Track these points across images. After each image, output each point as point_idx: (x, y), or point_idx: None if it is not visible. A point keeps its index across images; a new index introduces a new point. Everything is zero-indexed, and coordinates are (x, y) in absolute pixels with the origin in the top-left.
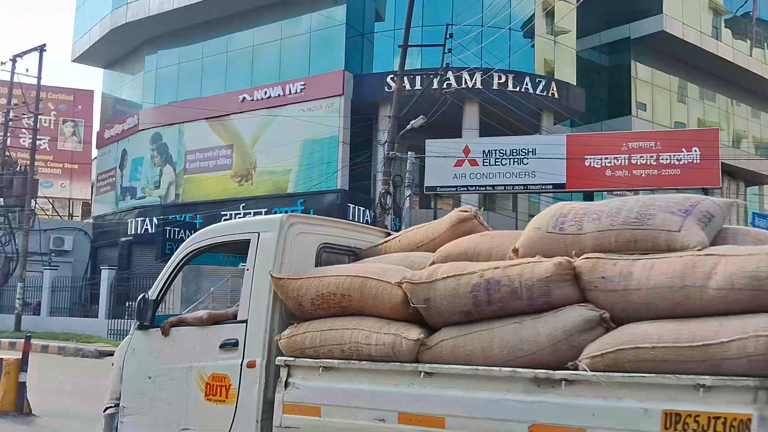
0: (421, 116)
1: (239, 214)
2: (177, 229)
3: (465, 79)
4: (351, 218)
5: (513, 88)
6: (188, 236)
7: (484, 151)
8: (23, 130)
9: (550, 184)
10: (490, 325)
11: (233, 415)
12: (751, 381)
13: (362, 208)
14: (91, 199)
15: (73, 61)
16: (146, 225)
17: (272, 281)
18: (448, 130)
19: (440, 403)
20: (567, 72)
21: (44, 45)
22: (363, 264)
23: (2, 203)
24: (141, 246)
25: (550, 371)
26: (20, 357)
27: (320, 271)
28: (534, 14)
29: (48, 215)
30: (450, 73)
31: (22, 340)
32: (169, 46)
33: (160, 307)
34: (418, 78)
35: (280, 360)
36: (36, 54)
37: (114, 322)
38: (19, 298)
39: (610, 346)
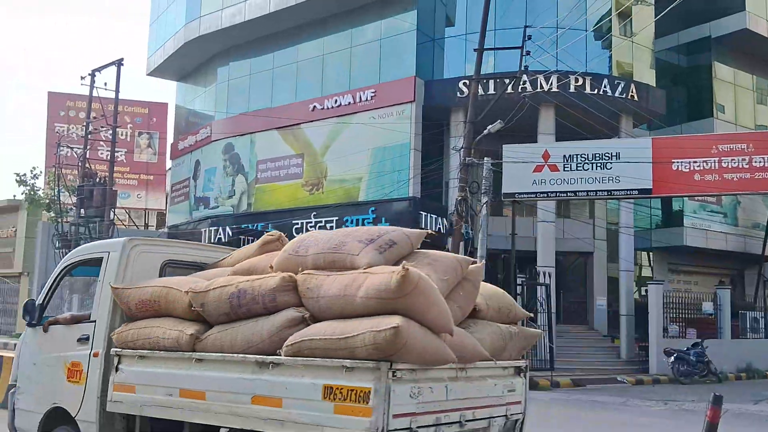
0: (499, 121)
1: (310, 222)
2: (251, 238)
3: (541, 83)
4: (423, 226)
5: (591, 90)
6: None
7: (564, 155)
8: (101, 143)
9: (635, 190)
10: (238, 323)
11: (83, 393)
12: (371, 363)
13: (434, 216)
14: (166, 209)
15: (148, 74)
16: (219, 234)
17: (111, 290)
18: (522, 135)
19: (204, 381)
20: (645, 73)
21: (122, 59)
22: (174, 277)
23: (83, 214)
24: None
25: (266, 357)
26: None
27: (144, 282)
28: (610, 15)
29: (125, 225)
30: (525, 76)
31: None
32: (240, 57)
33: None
34: (491, 82)
35: (113, 351)
36: (113, 68)
37: None
38: None
39: (296, 338)
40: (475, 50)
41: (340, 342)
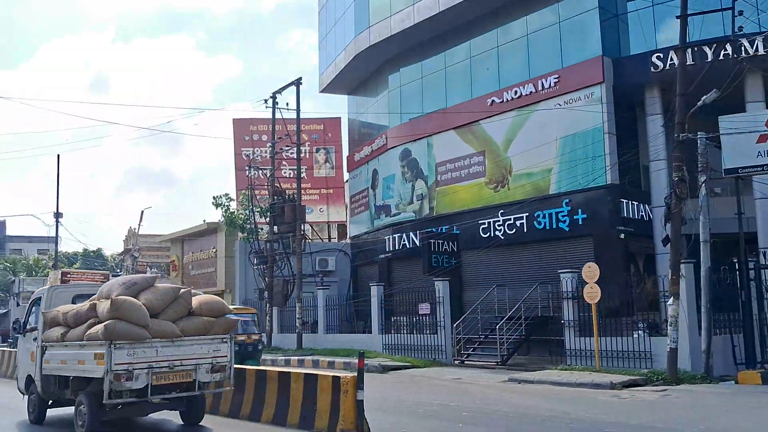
0: (714, 90)
1: (497, 221)
2: (440, 241)
3: (745, 47)
4: (624, 215)
5: None
6: (451, 247)
7: None
8: (284, 162)
9: None
10: (76, 328)
11: (36, 366)
12: (105, 342)
13: (635, 203)
14: (347, 221)
15: (321, 91)
16: (403, 240)
17: (41, 313)
18: (725, 105)
19: (66, 355)
20: None
21: (300, 79)
22: (65, 305)
23: (276, 230)
24: (400, 261)
25: (81, 341)
26: (356, 375)
27: (55, 309)
28: None
29: (310, 239)
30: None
31: (324, 358)
32: (410, 62)
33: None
34: (690, 51)
35: (42, 344)
36: (281, 93)
37: (386, 337)
38: (298, 318)
39: (89, 333)
40: (677, 17)
41: (97, 333)
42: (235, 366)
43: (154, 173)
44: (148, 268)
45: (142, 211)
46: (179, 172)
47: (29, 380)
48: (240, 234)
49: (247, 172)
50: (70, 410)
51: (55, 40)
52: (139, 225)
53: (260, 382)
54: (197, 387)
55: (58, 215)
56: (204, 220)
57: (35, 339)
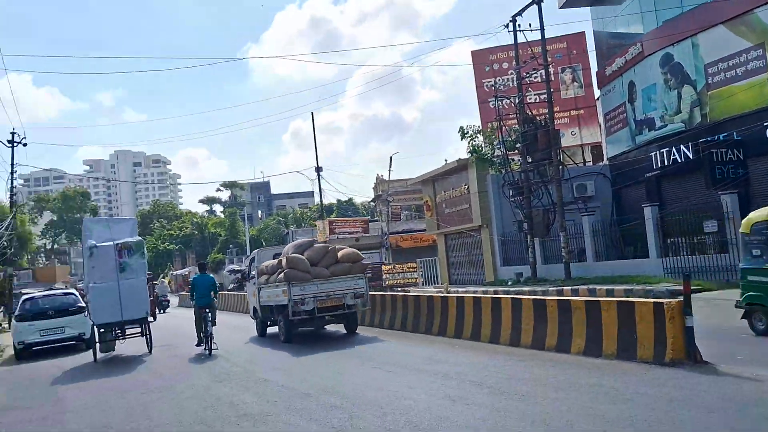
0: None
1: None
2: (722, 150)
3: None
4: None
5: None
6: (736, 156)
7: None
8: (529, 88)
9: None
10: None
11: (256, 300)
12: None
13: None
14: (602, 141)
15: (561, 7)
16: (673, 155)
17: (255, 267)
18: None
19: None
20: None
21: None
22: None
23: (530, 160)
24: (670, 178)
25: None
26: (680, 300)
27: (263, 263)
28: None
29: (567, 165)
30: None
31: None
32: None
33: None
34: None
35: (257, 286)
36: (527, 10)
37: (666, 260)
38: (564, 247)
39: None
40: None
41: (281, 277)
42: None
43: (385, 122)
44: (403, 212)
45: (391, 157)
46: (409, 117)
47: (254, 310)
48: (490, 169)
49: (491, 103)
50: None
51: (289, 6)
52: (389, 170)
53: (565, 313)
54: (346, 308)
55: (318, 169)
56: (454, 159)
57: (254, 283)
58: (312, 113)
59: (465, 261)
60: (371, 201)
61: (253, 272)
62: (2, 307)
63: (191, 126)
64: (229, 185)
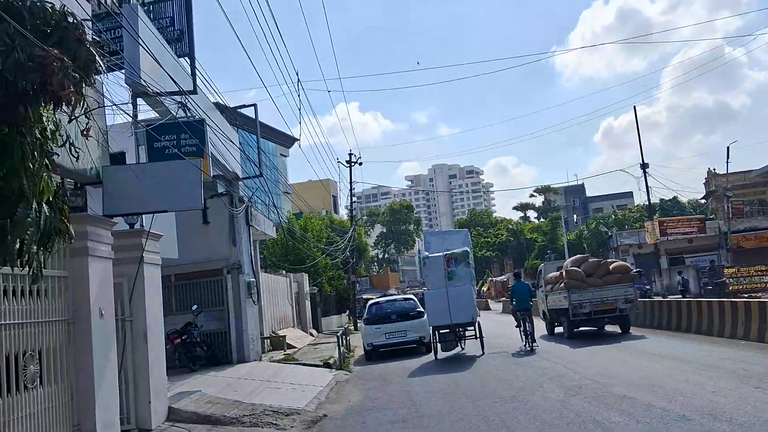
0: None
1: None
2: None
3: None
4: None
5: None
6: None
7: None
8: None
9: None
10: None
11: (545, 305)
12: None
13: None
14: None
15: None
16: None
17: (542, 278)
18: None
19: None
20: None
21: None
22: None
23: None
24: None
25: None
26: None
27: (548, 274)
28: None
29: None
30: None
31: None
32: None
33: None
34: None
35: (545, 293)
36: None
37: None
38: None
39: None
40: None
41: (562, 286)
42: None
43: (708, 111)
44: (745, 207)
45: (728, 147)
46: (736, 104)
47: (543, 313)
48: None
49: None
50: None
51: (595, 3)
52: (727, 162)
53: None
54: (618, 311)
55: (644, 165)
56: None
57: (542, 291)
58: (634, 106)
59: None
60: (701, 198)
61: (541, 282)
62: (347, 311)
63: (500, 135)
64: (543, 190)
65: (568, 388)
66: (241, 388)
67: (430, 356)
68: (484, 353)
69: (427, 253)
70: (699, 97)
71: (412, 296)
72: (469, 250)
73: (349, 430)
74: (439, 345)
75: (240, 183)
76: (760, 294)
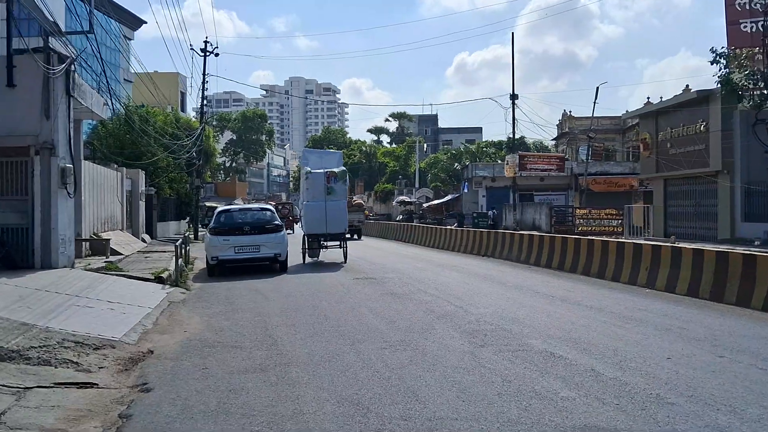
0: None
1: None
2: None
3: None
4: None
5: None
6: None
7: None
8: None
9: None
10: None
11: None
12: None
13: None
14: None
15: None
16: None
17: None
18: None
19: None
20: None
21: None
22: None
23: None
24: None
25: None
26: None
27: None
28: None
29: None
30: None
31: None
32: None
33: None
34: None
35: None
36: None
37: None
38: None
39: None
40: None
41: None
42: None
43: (556, 59)
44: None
45: (597, 88)
46: (583, 55)
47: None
48: (740, 105)
49: (743, 25)
50: None
51: None
52: (594, 103)
53: None
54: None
55: (513, 96)
56: (692, 90)
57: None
58: (512, 33)
59: (690, 212)
60: (552, 139)
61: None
62: (188, 218)
63: (357, 56)
64: (398, 116)
65: (468, 334)
66: (38, 303)
67: (285, 276)
68: (346, 261)
69: (309, 168)
70: (550, 43)
71: (270, 206)
72: (345, 170)
73: (182, 382)
74: (306, 251)
75: (64, 40)
76: (605, 237)
